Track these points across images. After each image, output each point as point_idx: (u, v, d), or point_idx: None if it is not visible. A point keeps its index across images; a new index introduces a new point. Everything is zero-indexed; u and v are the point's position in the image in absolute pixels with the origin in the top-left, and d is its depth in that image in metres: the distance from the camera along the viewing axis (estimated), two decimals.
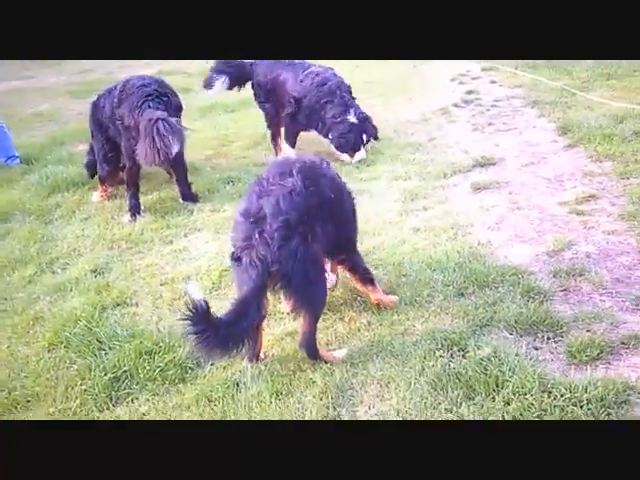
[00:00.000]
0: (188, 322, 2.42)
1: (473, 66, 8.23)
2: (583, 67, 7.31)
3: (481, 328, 2.99)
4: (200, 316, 2.42)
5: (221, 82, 5.92)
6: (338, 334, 3.11)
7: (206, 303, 2.43)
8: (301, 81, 5.61)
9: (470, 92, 7.14)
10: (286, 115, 5.75)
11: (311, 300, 2.82)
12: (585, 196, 4.22)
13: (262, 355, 2.97)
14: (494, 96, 6.90)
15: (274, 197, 2.69)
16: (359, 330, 3.12)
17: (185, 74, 9.62)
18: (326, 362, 2.86)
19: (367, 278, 3.24)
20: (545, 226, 3.94)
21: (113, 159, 5.14)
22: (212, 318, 2.48)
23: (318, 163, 3.07)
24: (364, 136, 5.59)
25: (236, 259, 2.70)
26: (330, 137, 5.61)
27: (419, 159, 5.35)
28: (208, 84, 6.05)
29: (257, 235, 2.62)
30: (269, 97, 5.87)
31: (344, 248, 3.15)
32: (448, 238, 3.90)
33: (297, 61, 5.80)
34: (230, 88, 6.06)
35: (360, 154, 5.58)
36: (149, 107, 4.49)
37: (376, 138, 5.73)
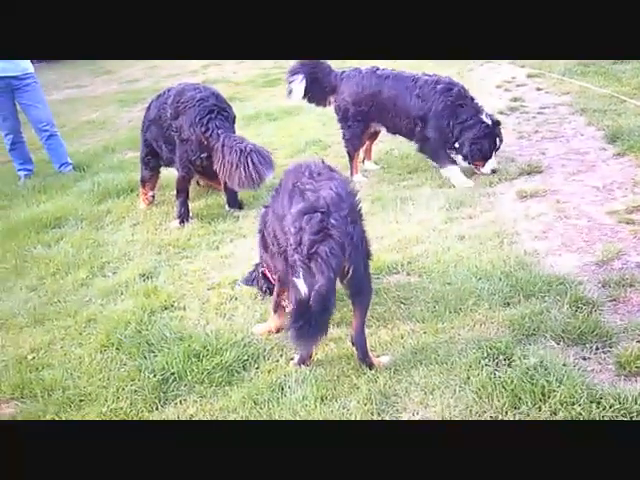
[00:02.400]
0: (296, 315, 2.52)
1: (519, 72, 8.12)
2: (633, 73, 7.14)
3: (527, 337, 2.96)
4: (304, 309, 2.52)
5: (298, 83, 5.34)
6: (382, 341, 3.12)
7: (308, 297, 2.55)
8: (418, 96, 5.04)
9: (516, 99, 7.04)
10: (419, 139, 5.19)
11: (366, 286, 2.89)
12: (636, 205, 4.13)
13: None
14: (540, 103, 6.79)
15: (330, 189, 2.75)
16: (402, 337, 3.12)
17: (230, 82, 9.79)
18: (370, 368, 2.88)
19: None
20: (594, 235, 3.87)
21: (151, 163, 5.29)
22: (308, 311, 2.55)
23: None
24: (497, 141, 5.03)
25: (312, 255, 2.62)
26: (458, 145, 5.04)
27: (464, 167, 5.31)
28: (288, 92, 5.52)
29: (333, 221, 2.64)
30: (359, 117, 5.29)
31: None
32: (494, 246, 3.86)
33: (389, 71, 5.24)
34: (307, 90, 5.40)
35: (492, 163, 5.05)
36: (217, 126, 4.62)
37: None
